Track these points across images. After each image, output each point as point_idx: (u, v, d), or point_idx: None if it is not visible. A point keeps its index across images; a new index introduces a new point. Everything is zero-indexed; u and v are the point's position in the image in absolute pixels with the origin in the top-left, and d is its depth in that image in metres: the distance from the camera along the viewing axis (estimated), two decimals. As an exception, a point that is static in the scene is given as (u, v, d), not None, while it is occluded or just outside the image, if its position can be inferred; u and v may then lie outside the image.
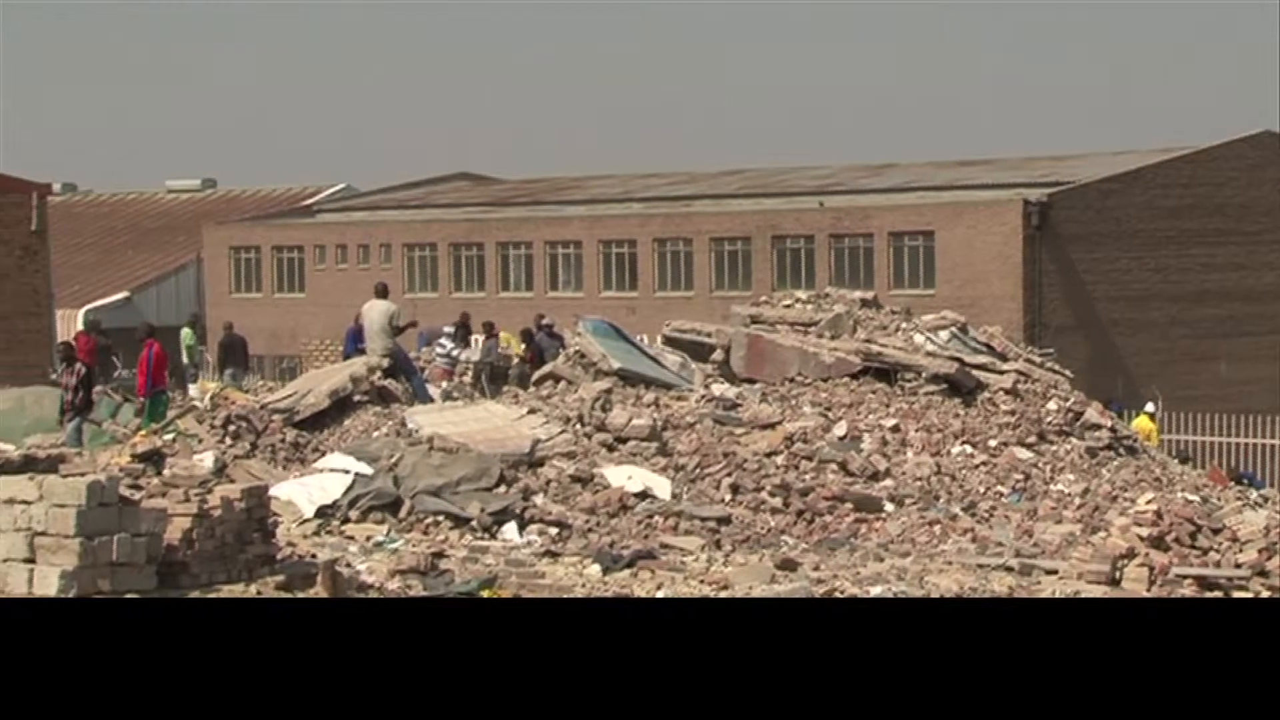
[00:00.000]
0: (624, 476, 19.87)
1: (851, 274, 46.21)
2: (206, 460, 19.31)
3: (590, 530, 18.44)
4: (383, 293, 26.64)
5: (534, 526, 18.39)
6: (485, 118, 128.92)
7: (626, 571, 16.58)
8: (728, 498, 20.03)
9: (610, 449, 21.09)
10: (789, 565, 17.01)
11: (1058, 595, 15.62)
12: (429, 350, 32.23)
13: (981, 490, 21.45)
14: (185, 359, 34.63)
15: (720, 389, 24.02)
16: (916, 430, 22.95)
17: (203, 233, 60.98)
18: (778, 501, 19.96)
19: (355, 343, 27.48)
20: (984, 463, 22.33)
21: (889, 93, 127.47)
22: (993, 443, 22.94)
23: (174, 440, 20.71)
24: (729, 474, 20.54)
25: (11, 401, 25.34)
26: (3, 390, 28.53)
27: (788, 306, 27.19)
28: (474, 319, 34.52)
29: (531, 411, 21.99)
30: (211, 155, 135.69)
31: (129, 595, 13.02)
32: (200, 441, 20.81)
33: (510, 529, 18.24)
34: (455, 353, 31.40)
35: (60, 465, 17.76)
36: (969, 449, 22.69)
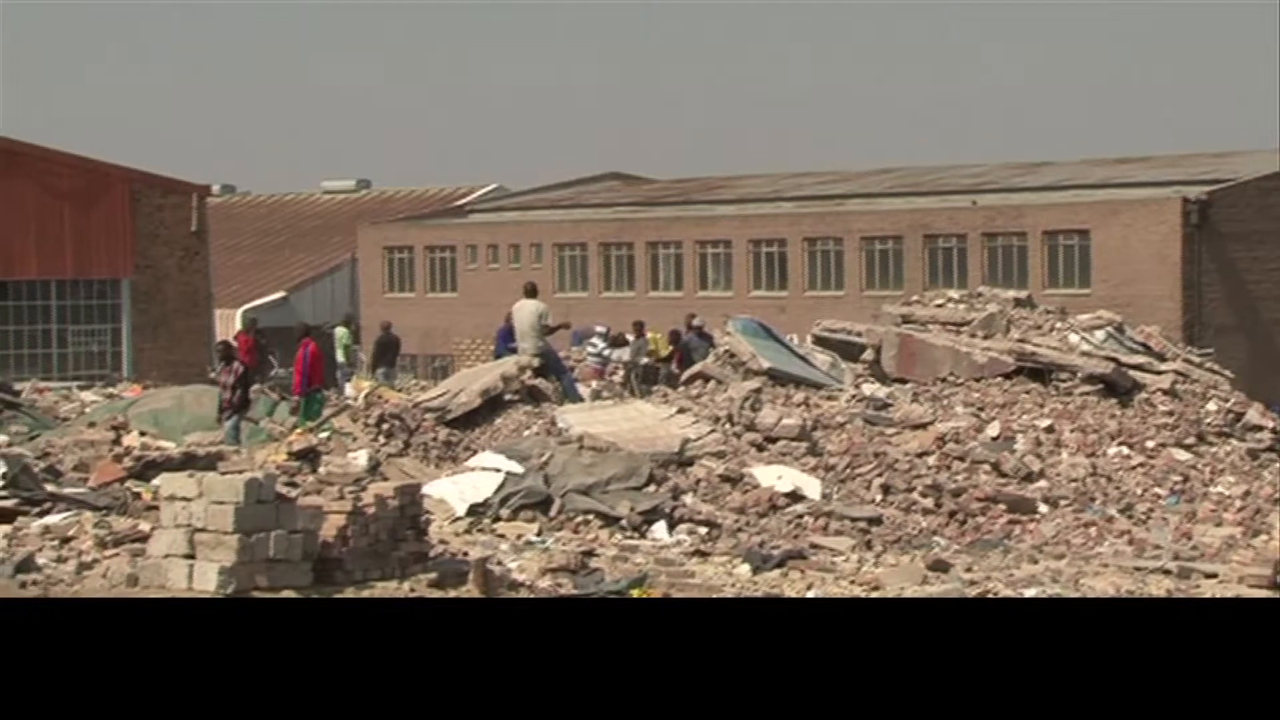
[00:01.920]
0: (774, 476, 19.81)
1: (1005, 273, 45.68)
2: (360, 458, 19.54)
3: (740, 530, 18.40)
4: (532, 292, 26.77)
5: (683, 526, 18.39)
6: (636, 118, 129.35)
7: (776, 571, 16.53)
8: (878, 498, 19.90)
9: (760, 449, 21.04)
10: (941, 566, 16.86)
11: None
12: (580, 349, 32.38)
13: (1138, 492, 21.13)
14: (341, 358, 35.07)
15: (871, 389, 23.88)
16: (1071, 431, 22.66)
17: (357, 233, 61.76)
18: (929, 502, 19.80)
19: (506, 342, 27.65)
20: (1141, 464, 22.00)
21: (1043, 90, 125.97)
22: (1150, 444, 22.59)
23: (329, 438, 20.98)
24: (880, 474, 20.41)
25: (171, 400, 25.82)
26: (163, 388, 29.12)
27: (940, 306, 26.98)
28: (624, 319, 34.58)
29: (681, 411, 22.00)
30: (366, 156, 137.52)
31: (285, 591, 13.21)
32: (354, 440, 21.06)
33: (660, 528, 18.26)
34: (606, 352, 31.50)
35: (219, 463, 18.11)
36: (1125, 450, 22.37)
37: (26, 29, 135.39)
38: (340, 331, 36.04)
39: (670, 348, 30.91)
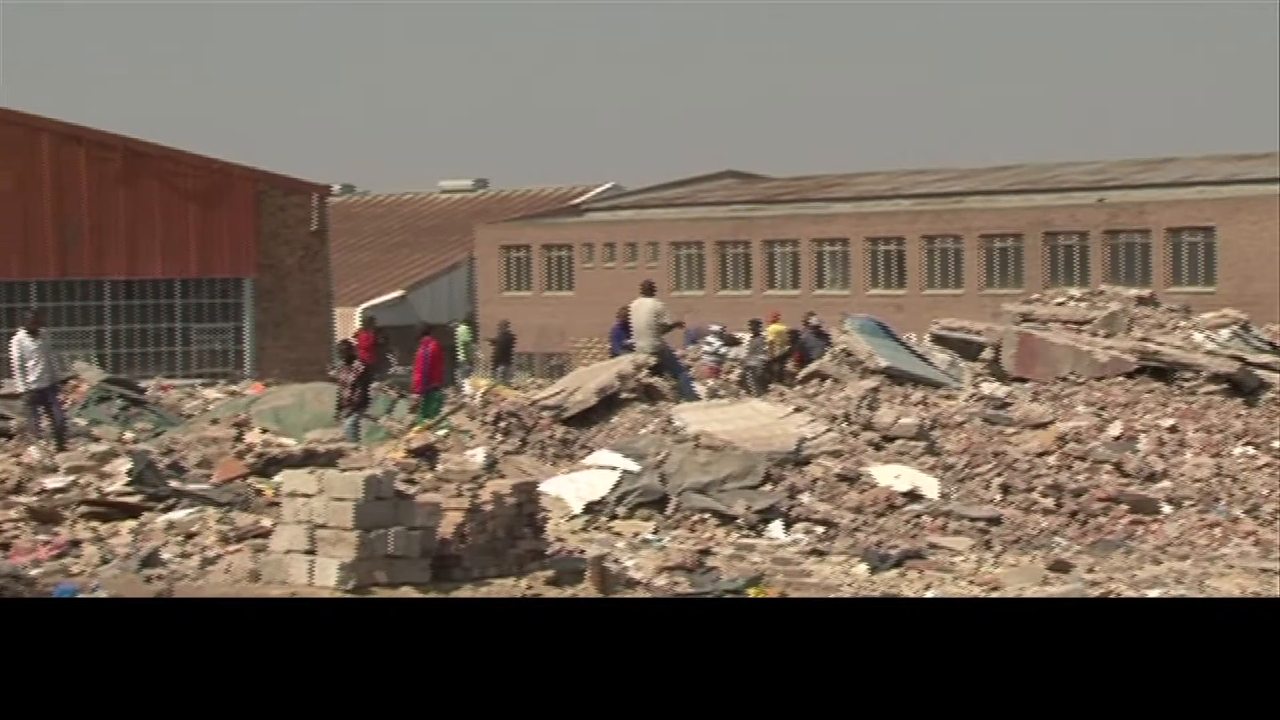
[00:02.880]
0: (891, 475, 19.69)
1: (1127, 271, 45.17)
2: (478, 456, 19.63)
3: (857, 529, 18.30)
4: (649, 291, 26.78)
5: (800, 525, 18.32)
6: (753, 115, 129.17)
7: (894, 571, 16.42)
8: (998, 498, 19.72)
9: (877, 448, 20.92)
10: (1062, 567, 16.67)
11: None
12: (695, 348, 32.37)
13: (1264, 493, 20.80)
14: (461, 356, 35.32)
15: (990, 388, 23.68)
16: (1195, 431, 22.34)
17: (475, 232, 62.17)
18: (1050, 502, 19.60)
19: (620, 340, 27.68)
20: (1267, 464, 21.65)
21: (1166, 86, 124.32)
22: (1277, 444, 22.24)
23: (447, 436, 21.10)
24: (999, 474, 20.22)
25: (292, 397, 26.11)
26: (284, 386, 29.46)
27: (1060, 304, 26.72)
28: (740, 317, 34.53)
29: (797, 410, 21.92)
30: (484, 155, 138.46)
31: (404, 587, 13.31)
32: (472, 438, 21.17)
33: (776, 527, 18.20)
34: (722, 350, 31.48)
35: (339, 460, 18.28)
36: (1251, 450, 22.02)
37: (154, 32, 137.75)
38: (461, 329, 36.31)
39: (788, 344, 30.84)
